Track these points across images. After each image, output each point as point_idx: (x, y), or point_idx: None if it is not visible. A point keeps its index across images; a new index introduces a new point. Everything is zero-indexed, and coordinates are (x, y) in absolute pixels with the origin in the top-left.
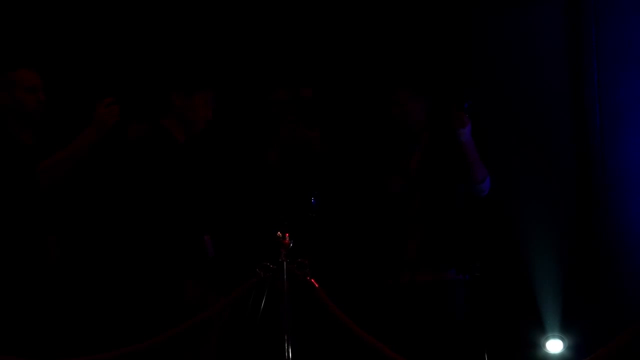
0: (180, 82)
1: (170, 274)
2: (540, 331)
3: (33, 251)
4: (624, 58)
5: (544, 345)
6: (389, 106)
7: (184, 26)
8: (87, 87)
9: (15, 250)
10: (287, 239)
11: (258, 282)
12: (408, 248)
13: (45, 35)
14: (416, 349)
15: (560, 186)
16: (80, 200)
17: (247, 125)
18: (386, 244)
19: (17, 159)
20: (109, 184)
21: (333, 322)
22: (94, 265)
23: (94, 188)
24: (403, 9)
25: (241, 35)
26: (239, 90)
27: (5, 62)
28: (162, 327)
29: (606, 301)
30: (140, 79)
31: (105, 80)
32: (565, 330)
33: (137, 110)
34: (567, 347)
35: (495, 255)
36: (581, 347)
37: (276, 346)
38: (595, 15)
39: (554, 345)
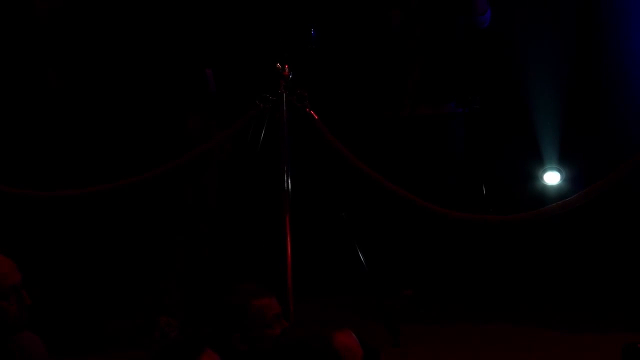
0: None
1: (172, 106)
2: (538, 163)
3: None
4: None
5: (542, 177)
6: None
7: None
8: None
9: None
10: (287, 70)
11: (258, 114)
12: (408, 81)
13: None
14: (414, 181)
15: (561, 19)
16: (80, 32)
17: None
18: (386, 77)
19: None
20: (110, 16)
21: (332, 153)
22: (95, 98)
23: (95, 19)
24: None
25: None
26: None
27: None
28: (164, 158)
29: (604, 133)
30: None
31: None
32: (563, 163)
33: None
34: (565, 179)
35: (495, 88)
36: (578, 179)
37: (275, 177)
38: None
39: (552, 177)
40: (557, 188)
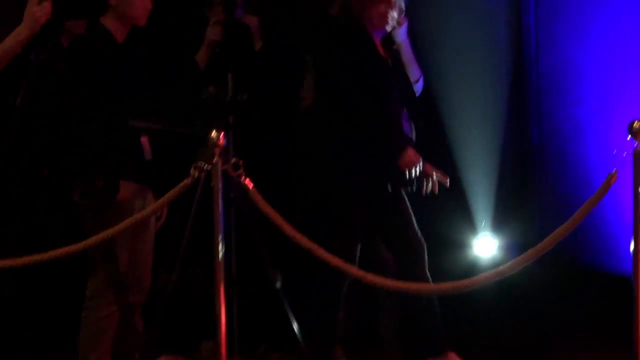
0: None
1: (106, 174)
2: (471, 231)
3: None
4: None
5: (475, 245)
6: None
7: None
8: None
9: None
10: (221, 138)
11: (192, 183)
12: None
13: None
14: (350, 252)
15: (494, 88)
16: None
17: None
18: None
19: None
20: (46, 83)
21: (267, 222)
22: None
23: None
24: None
25: None
26: None
27: None
28: (99, 226)
29: (537, 201)
30: None
31: None
32: (496, 230)
33: (72, 8)
34: (499, 247)
35: (428, 153)
36: (512, 247)
37: (209, 246)
38: None
39: (485, 245)
40: (490, 256)
